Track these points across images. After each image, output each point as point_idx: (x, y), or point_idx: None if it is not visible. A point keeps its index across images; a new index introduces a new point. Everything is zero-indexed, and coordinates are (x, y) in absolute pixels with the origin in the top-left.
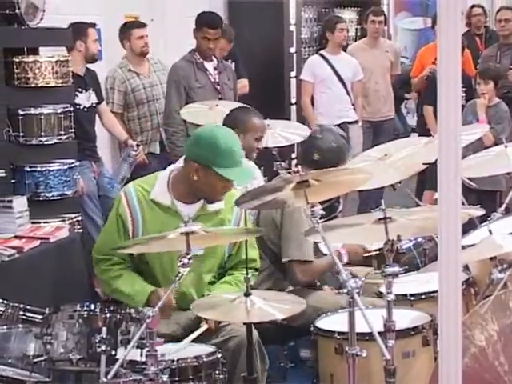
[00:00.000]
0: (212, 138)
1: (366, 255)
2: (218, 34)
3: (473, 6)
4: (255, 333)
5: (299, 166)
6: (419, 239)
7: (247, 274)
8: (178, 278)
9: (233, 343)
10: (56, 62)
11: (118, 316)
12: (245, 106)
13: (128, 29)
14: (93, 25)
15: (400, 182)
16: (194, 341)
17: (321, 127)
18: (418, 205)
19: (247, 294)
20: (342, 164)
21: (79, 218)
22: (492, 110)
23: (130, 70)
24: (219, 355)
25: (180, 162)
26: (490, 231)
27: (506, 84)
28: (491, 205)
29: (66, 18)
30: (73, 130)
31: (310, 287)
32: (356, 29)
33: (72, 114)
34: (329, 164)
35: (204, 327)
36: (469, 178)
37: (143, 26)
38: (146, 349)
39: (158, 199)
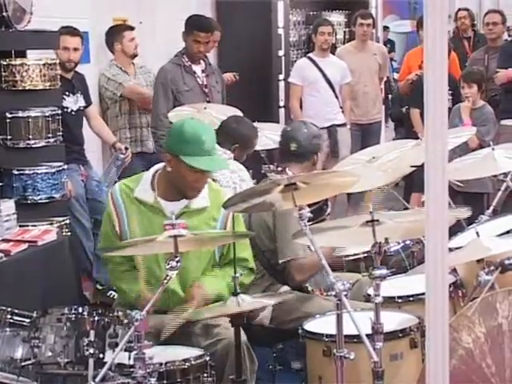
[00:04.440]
0: (179, 127)
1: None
2: (208, 38)
3: (459, 10)
4: (243, 334)
5: (279, 167)
6: (407, 242)
7: (235, 273)
8: (166, 281)
9: (220, 346)
10: (44, 64)
11: (106, 319)
12: (250, 123)
13: (120, 31)
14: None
15: (387, 185)
16: (180, 342)
17: (291, 123)
18: (405, 207)
19: (235, 294)
20: (319, 151)
21: (67, 222)
22: (477, 112)
23: (120, 68)
24: (207, 358)
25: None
26: (478, 233)
27: (493, 87)
28: (478, 207)
29: (53, 22)
30: (61, 133)
31: (301, 291)
32: (344, 32)
33: (60, 117)
34: (306, 152)
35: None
36: (456, 180)
37: (133, 28)
38: (134, 352)
39: (142, 197)
